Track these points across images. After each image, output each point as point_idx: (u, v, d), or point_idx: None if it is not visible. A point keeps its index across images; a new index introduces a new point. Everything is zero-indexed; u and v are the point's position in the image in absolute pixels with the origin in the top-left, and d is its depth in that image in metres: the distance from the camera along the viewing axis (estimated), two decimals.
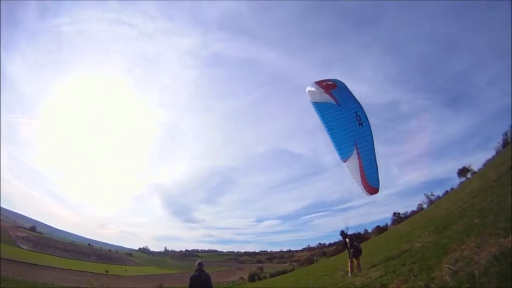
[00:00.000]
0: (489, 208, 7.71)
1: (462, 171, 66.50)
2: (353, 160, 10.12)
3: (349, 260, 11.16)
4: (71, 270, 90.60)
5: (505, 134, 60.08)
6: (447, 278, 4.29)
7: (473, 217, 8.10)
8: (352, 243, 11.10)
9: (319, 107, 10.33)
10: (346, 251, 11.54)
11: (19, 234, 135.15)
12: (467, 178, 58.46)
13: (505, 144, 54.51)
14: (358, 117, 9.81)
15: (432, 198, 66.63)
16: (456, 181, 67.84)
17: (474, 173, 57.77)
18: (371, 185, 10.09)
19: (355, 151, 10.12)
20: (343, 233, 11.39)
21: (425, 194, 71.97)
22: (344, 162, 10.43)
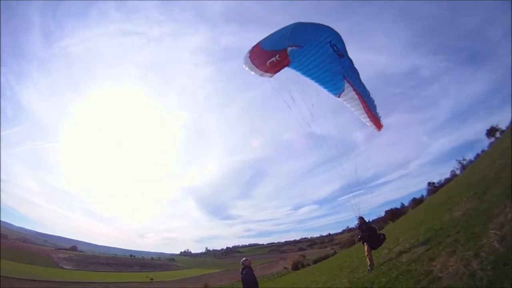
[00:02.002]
0: None
1: (491, 131, 64.48)
2: (349, 93, 8.87)
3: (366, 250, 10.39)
4: (116, 282, 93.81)
5: None
6: (496, 245, 4.39)
7: (510, 178, 8.04)
8: (369, 231, 10.36)
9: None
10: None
11: (60, 255, 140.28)
12: (496, 138, 56.71)
13: None
14: (334, 47, 8.14)
15: (464, 163, 65.07)
16: (486, 142, 65.89)
17: (502, 132, 55.98)
18: (379, 119, 9.12)
19: (346, 83, 8.70)
20: (362, 220, 10.43)
21: (457, 160, 70.30)
22: (339, 97, 9.08)
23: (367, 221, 10.57)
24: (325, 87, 9.03)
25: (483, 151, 57.65)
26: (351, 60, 8.64)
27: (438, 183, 72.57)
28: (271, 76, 8.12)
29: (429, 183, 75.61)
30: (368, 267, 9.92)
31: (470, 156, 66.33)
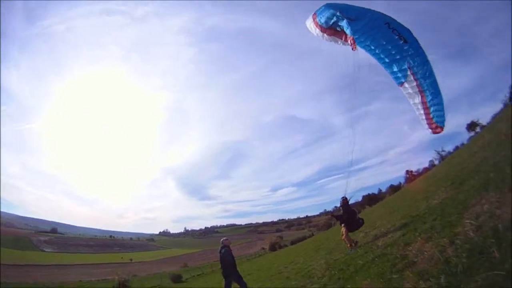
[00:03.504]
0: (505, 163, 7.74)
1: (471, 126, 66.26)
2: (411, 85, 8.02)
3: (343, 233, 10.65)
4: (96, 264, 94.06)
5: (511, 87, 59.25)
6: (471, 234, 4.53)
7: (488, 171, 8.18)
8: (349, 214, 10.58)
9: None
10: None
11: (41, 238, 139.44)
12: (476, 133, 58.27)
13: None
14: (393, 30, 7.46)
15: (443, 154, 66.77)
16: (465, 135, 67.65)
17: (483, 127, 57.54)
18: (436, 122, 8.01)
19: (410, 74, 7.81)
20: (345, 201, 10.55)
21: (436, 150, 72.06)
22: (401, 86, 8.29)
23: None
24: (387, 70, 8.34)
25: (462, 144, 59.16)
26: (417, 43, 7.64)
27: (416, 171, 74.41)
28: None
29: (407, 171, 77.44)
30: (349, 249, 10.26)
31: (449, 148, 68.02)
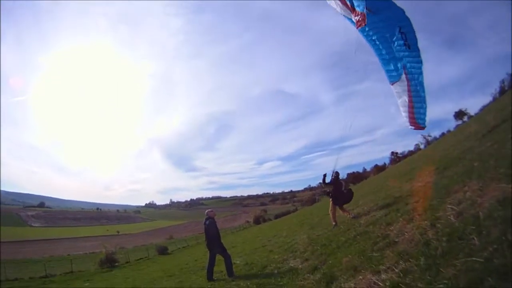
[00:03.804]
0: (489, 153, 7.93)
1: (459, 114, 67.26)
2: (403, 86, 8.59)
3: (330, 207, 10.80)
4: (84, 237, 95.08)
5: (502, 81, 59.92)
6: (452, 219, 4.68)
7: (472, 160, 8.37)
8: (335, 187, 10.69)
9: (348, 19, 8.38)
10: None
11: (29, 213, 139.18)
12: (463, 121, 59.23)
13: (502, 91, 54.45)
14: (402, 34, 7.90)
15: (429, 139, 68.00)
16: (452, 123, 68.97)
17: (470, 117, 58.45)
18: (418, 122, 8.65)
19: (404, 76, 8.42)
20: (337, 174, 10.70)
21: (422, 135, 73.17)
22: (392, 85, 8.87)
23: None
24: (383, 66, 8.84)
25: (449, 131, 60.33)
26: (418, 51, 8.12)
27: (401, 153, 76.08)
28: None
29: (393, 153, 79.10)
30: (332, 225, 10.45)
31: (436, 133, 69.24)
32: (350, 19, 8.23)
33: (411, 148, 78.54)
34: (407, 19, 7.84)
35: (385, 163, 78.49)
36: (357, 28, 7.45)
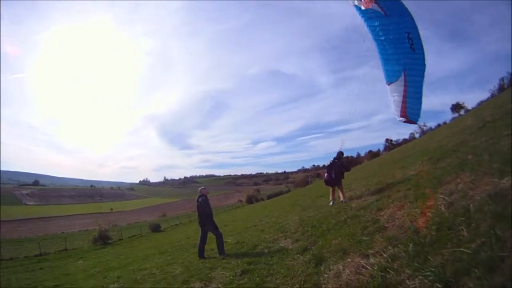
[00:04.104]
0: (483, 148, 7.96)
1: (456, 107, 67.51)
2: (399, 87, 9.02)
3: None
4: (78, 215, 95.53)
5: (502, 79, 59.84)
6: (443, 209, 4.76)
7: (467, 153, 8.40)
8: (330, 169, 11.05)
9: (363, 12, 8.88)
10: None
11: (23, 192, 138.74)
12: (459, 115, 59.38)
13: (501, 88, 54.37)
14: (410, 40, 8.39)
15: (425, 129, 68.34)
16: (449, 115, 69.38)
17: (467, 110, 58.56)
18: (409, 118, 9.16)
19: (402, 77, 8.89)
20: (340, 154, 11.10)
21: (418, 124, 73.37)
22: (389, 85, 9.33)
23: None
24: (383, 65, 9.23)
25: (444, 122, 60.60)
26: (423, 55, 8.60)
27: (396, 141, 76.58)
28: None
29: (387, 140, 79.57)
30: (330, 201, 11.06)
31: (432, 124, 69.52)
32: (358, 7, 8.80)
33: (406, 136, 79.01)
34: (416, 28, 8.42)
35: (379, 150, 79.12)
36: (364, 8, 8.41)
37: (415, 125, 69.70)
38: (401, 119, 9.28)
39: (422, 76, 8.79)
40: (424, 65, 8.64)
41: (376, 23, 8.73)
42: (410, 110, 9.09)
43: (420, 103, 9.09)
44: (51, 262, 18.68)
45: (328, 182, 11.30)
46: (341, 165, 11.03)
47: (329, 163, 11.18)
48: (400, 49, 8.64)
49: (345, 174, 11.30)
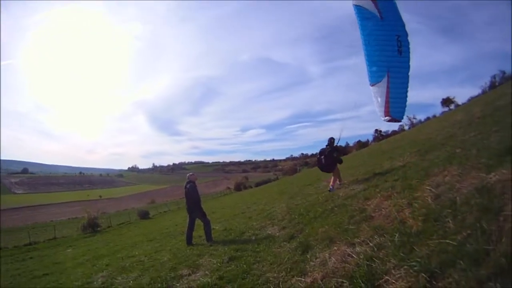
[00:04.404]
0: (472, 142, 8.02)
1: (446, 101, 68.18)
2: (382, 88, 9.40)
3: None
4: (67, 202, 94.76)
5: (494, 76, 60.53)
6: (429, 200, 4.80)
7: (455, 147, 8.46)
8: (320, 155, 11.14)
9: (360, 12, 9.28)
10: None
11: (12, 180, 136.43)
12: (449, 109, 60.05)
13: (492, 86, 55.03)
14: (399, 43, 8.89)
15: (414, 121, 69.06)
16: (439, 109, 70.29)
17: (457, 105, 59.24)
18: (392, 116, 9.53)
19: (385, 79, 9.29)
20: (331, 140, 11.05)
21: (407, 116, 74.12)
22: (372, 86, 9.71)
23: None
24: (368, 68, 9.65)
25: (434, 116, 61.20)
26: (408, 58, 9.14)
27: (385, 132, 77.11)
28: None
29: (376, 130, 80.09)
30: (330, 186, 10.93)
31: (421, 117, 70.29)
32: (357, 6, 9.28)
33: (396, 128, 79.60)
34: (406, 32, 8.98)
35: (368, 140, 79.69)
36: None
37: (406, 116, 70.58)
38: (385, 118, 9.59)
39: (407, 78, 9.27)
40: (409, 67, 9.16)
41: (371, 25, 9.19)
42: (393, 109, 9.44)
43: (405, 102, 9.44)
44: (41, 251, 18.66)
45: (321, 169, 11.43)
46: (332, 151, 10.97)
47: (320, 150, 11.21)
48: (387, 52, 9.07)
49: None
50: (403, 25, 9.02)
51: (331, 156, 10.86)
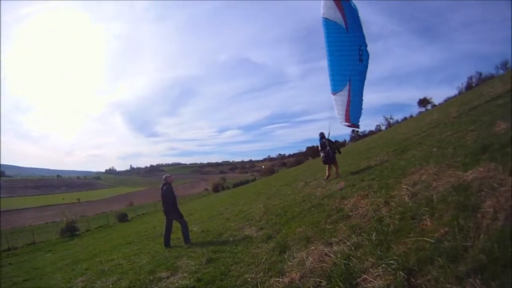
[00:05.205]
0: (448, 141, 8.15)
1: (423, 101, 70.05)
2: (343, 96, 10.20)
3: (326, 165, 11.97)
4: (45, 206, 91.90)
5: (470, 78, 62.60)
6: (406, 199, 4.81)
7: (431, 145, 8.61)
8: (323, 148, 11.59)
9: (329, 25, 9.97)
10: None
11: None
12: (426, 109, 61.69)
13: (469, 86, 56.86)
14: (360, 51, 9.68)
15: (391, 121, 70.69)
16: (415, 109, 72.14)
17: (434, 106, 60.90)
18: (352, 122, 10.47)
19: (347, 87, 10.10)
20: (322, 135, 11.74)
21: (384, 117, 76.03)
22: (334, 94, 10.50)
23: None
24: (330, 77, 10.47)
25: (411, 116, 62.75)
26: (366, 66, 9.95)
27: (362, 132, 78.47)
28: None
29: (353, 130, 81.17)
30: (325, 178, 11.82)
31: (398, 117, 72.02)
32: (325, 19, 10.09)
33: (373, 128, 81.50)
34: (366, 44, 9.77)
35: (345, 140, 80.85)
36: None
37: (383, 116, 72.37)
38: (345, 123, 10.56)
39: (363, 85, 10.18)
40: (366, 74, 10.04)
41: (336, 37, 9.99)
42: (352, 116, 10.34)
43: (361, 109, 10.40)
44: (20, 256, 18.00)
45: (326, 161, 11.77)
46: (330, 143, 11.62)
47: (320, 144, 11.77)
48: (350, 61, 9.89)
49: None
50: (364, 37, 9.77)
51: (332, 148, 11.50)
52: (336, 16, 9.72)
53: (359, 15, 9.68)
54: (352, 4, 9.63)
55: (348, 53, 9.88)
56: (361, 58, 9.73)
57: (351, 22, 9.63)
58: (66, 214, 29.12)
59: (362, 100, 10.30)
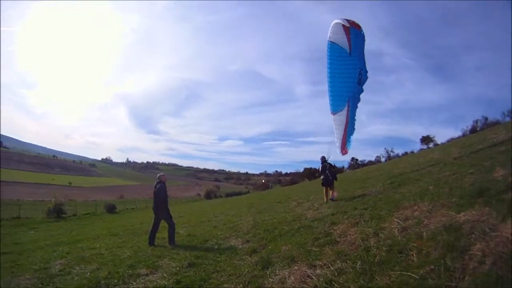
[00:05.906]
0: (446, 181, 8.15)
1: (426, 139, 70.04)
2: (342, 116, 10.73)
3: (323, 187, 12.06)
4: (37, 183, 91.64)
5: (476, 121, 62.81)
6: (396, 232, 4.79)
7: (428, 183, 8.61)
8: (324, 171, 11.75)
9: (333, 48, 10.44)
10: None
11: None
12: (428, 147, 61.67)
13: (473, 130, 56.98)
14: (360, 75, 10.28)
15: (391, 154, 70.54)
16: (417, 146, 71.87)
17: (436, 144, 60.89)
18: (347, 148, 11.13)
19: (346, 108, 10.71)
20: (323, 159, 12.01)
21: (385, 149, 75.83)
22: (333, 114, 11.00)
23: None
24: (331, 98, 11.02)
25: (412, 152, 62.61)
26: (362, 89, 10.68)
27: (361, 161, 78.42)
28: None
29: (353, 158, 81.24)
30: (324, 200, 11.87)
31: (399, 151, 71.91)
32: (330, 42, 10.57)
33: (372, 158, 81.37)
34: (366, 70, 10.41)
35: (343, 166, 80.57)
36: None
37: (384, 148, 72.55)
38: (342, 153, 11.47)
39: (357, 107, 10.88)
40: (360, 99, 10.79)
41: (339, 60, 10.47)
42: (348, 144, 11.12)
43: (352, 134, 11.25)
44: (3, 228, 17.80)
45: (324, 183, 11.89)
46: (329, 167, 11.83)
47: (321, 167, 12.02)
48: (350, 83, 10.47)
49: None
50: (365, 62, 10.43)
51: (331, 171, 11.73)
52: (342, 40, 10.17)
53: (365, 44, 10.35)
54: (362, 32, 10.14)
55: (348, 75, 10.41)
56: (360, 80, 10.39)
57: (355, 47, 10.13)
58: (55, 195, 29.30)
59: (354, 126, 11.11)
